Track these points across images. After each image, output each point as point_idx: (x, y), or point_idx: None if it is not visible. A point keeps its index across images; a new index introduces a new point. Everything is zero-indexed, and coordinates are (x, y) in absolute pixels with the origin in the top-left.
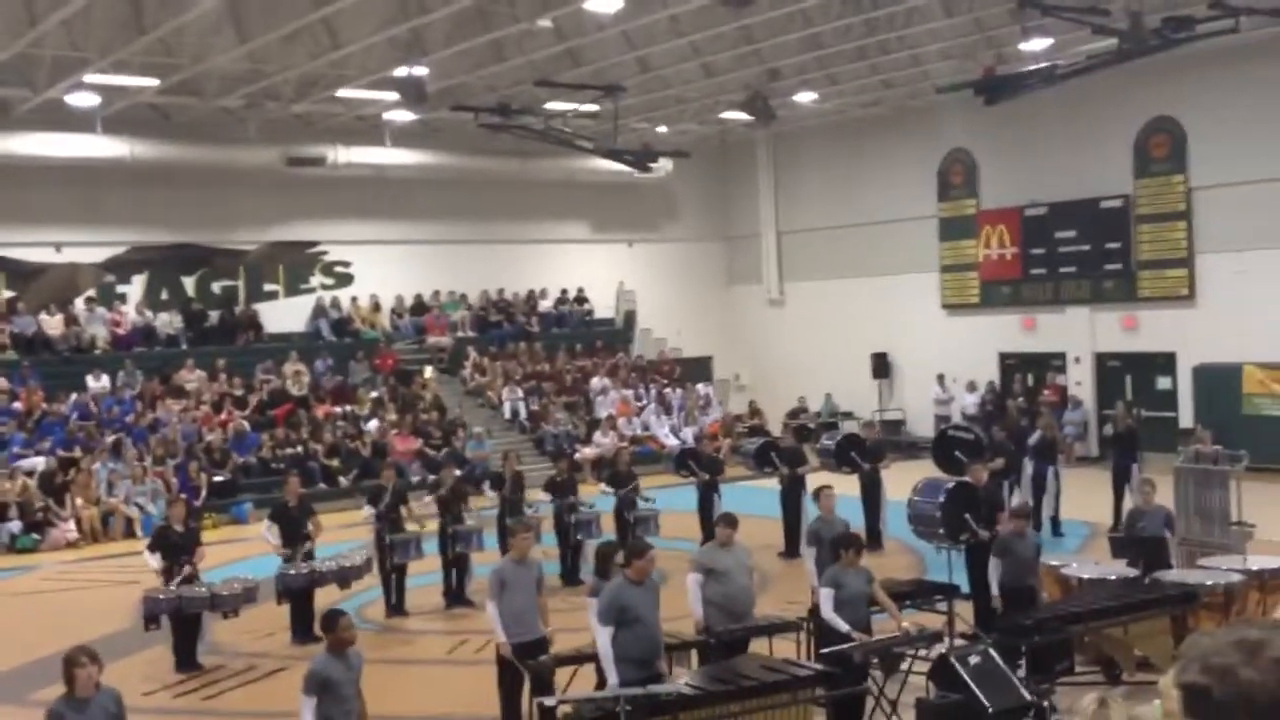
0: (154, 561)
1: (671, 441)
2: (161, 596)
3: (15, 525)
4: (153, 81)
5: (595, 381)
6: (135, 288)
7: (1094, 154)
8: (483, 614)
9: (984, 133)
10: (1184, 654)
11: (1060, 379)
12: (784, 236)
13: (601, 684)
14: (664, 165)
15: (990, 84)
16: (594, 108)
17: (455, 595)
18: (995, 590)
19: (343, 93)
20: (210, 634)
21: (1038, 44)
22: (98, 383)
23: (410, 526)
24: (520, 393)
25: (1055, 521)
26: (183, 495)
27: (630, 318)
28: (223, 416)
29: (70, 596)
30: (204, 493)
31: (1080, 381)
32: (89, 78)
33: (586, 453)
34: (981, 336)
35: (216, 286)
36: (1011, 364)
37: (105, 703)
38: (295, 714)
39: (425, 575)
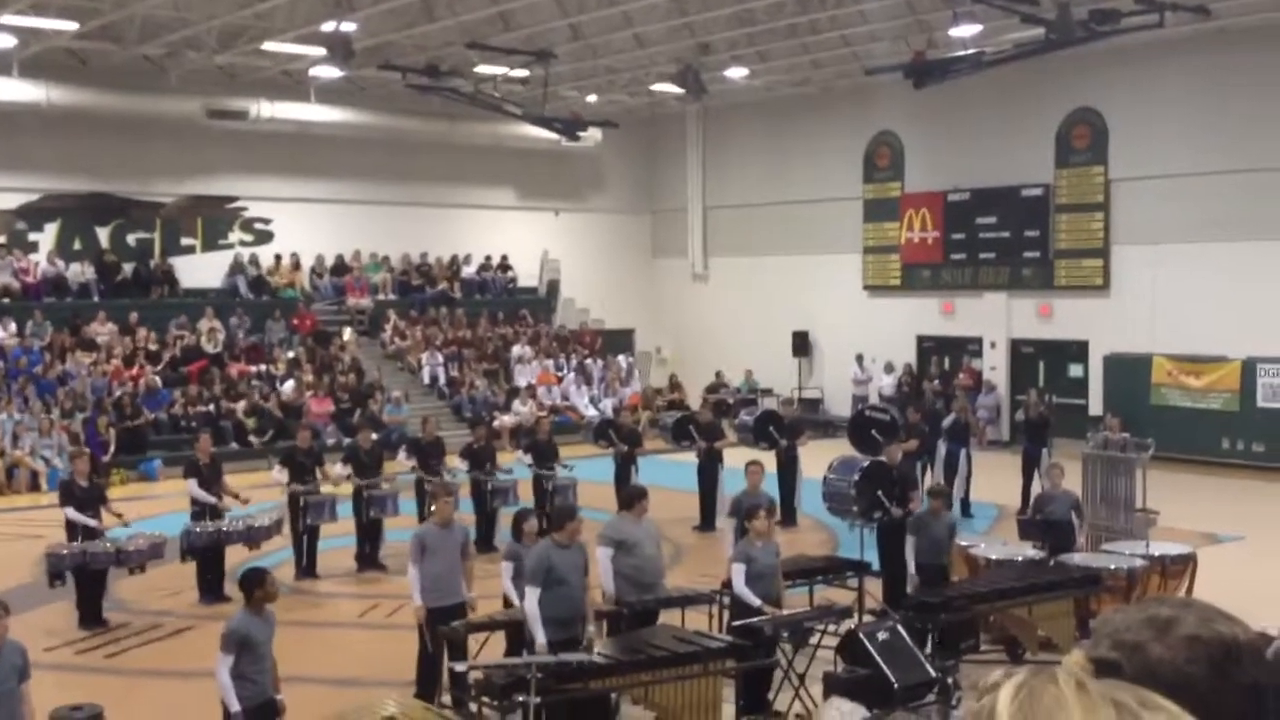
0: (76, 516)
1: (591, 412)
2: (66, 551)
3: None
4: (71, 25)
5: (516, 350)
6: (47, 236)
7: (1017, 142)
8: (395, 578)
9: (911, 116)
10: (1097, 629)
11: (975, 363)
12: (710, 212)
13: (512, 650)
14: (593, 135)
15: (919, 68)
16: (524, 73)
17: (368, 559)
18: (911, 569)
19: (268, 45)
20: (115, 591)
21: (967, 30)
22: (5, 332)
23: (325, 489)
24: (440, 358)
25: (965, 503)
26: (88, 450)
27: (553, 287)
28: (134, 371)
29: None
30: (112, 448)
31: (995, 366)
32: (5, 18)
33: (505, 420)
34: (901, 318)
35: (131, 238)
36: (929, 347)
37: (11, 655)
38: (199, 673)
39: (337, 538)
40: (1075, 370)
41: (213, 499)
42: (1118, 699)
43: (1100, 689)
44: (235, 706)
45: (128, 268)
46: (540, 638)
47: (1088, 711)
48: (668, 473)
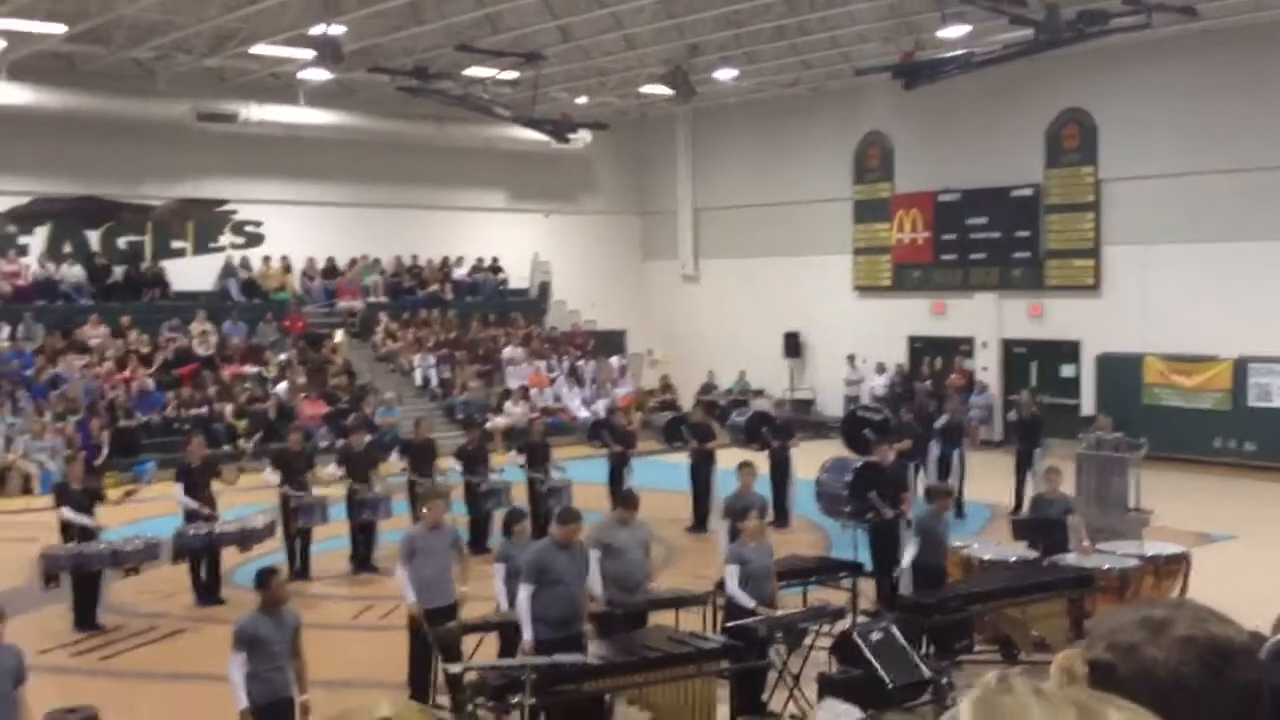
0: (72, 515)
1: (583, 414)
2: (61, 553)
3: None
4: (59, 28)
5: (507, 351)
6: (37, 239)
7: (1007, 143)
8: (388, 580)
9: (901, 117)
10: (1092, 631)
11: (967, 363)
12: (700, 213)
13: (506, 652)
14: (582, 137)
15: (908, 69)
16: (513, 75)
17: (362, 561)
18: (908, 566)
19: (256, 49)
20: (109, 594)
21: (956, 31)
22: None
23: (317, 491)
24: (432, 360)
25: (958, 503)
26: (83, 452)
27: (545, 289)
28: (126, 374)
29: None
30: (105, 451)
31: (986, 367)
32: None
33: (498, 422)
34: (892, 319)
35: (122, 241)
36: (920, 347)
37: (7, 659)
38: (194, 676)
39: (331, 540)
40: (1067, 370)
41: (194, 504)
42: (1079, 700)
43: (1060, 694)
44: (241, 704)
45: (119, 271)
46: (528, 635)
47: (1048, 715)
48: (661, 473)
